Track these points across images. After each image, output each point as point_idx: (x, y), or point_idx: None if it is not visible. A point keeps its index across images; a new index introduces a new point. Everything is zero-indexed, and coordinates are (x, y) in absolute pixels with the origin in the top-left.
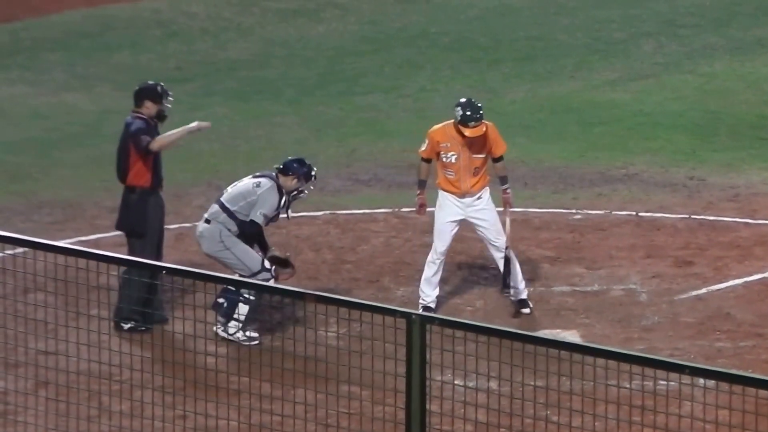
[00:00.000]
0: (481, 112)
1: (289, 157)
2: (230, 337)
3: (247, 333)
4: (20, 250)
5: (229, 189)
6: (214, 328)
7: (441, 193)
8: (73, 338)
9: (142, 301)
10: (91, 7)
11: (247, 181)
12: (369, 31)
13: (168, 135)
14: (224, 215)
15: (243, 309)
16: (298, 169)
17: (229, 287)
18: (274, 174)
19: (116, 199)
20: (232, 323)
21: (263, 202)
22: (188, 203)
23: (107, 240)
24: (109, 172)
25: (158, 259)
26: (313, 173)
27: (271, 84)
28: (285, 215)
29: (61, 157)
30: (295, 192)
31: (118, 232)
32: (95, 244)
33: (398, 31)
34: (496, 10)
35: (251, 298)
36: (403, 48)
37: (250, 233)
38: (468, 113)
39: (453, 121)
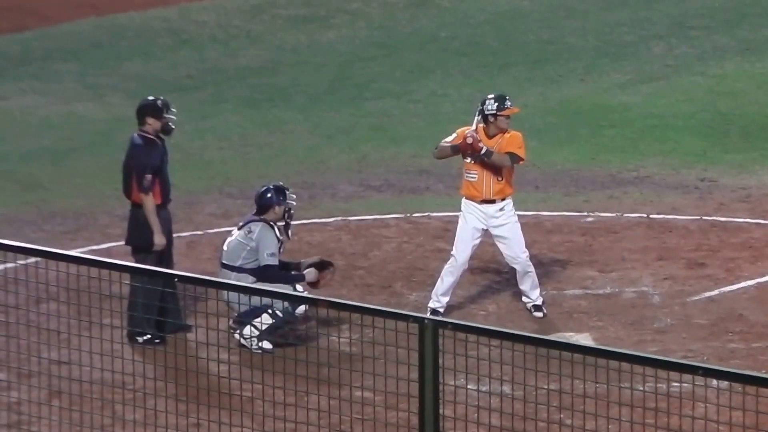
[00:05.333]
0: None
1: (255, 195)
2: (243, 341)
3: (262, 344)
4: (32, 259)
5: (225, 247)
6: (236, 335)
7: (464, 201)
8: (86, 347)
9: (156, 310)
10: (102, 17)
11: (238, 233)
12: (379, 36)
13: (152, 212)
14: (234, 274)
15: (266, 319)
16: (271, 198)
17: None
18: (257, 217)
19: (127, 208)
20: (249, 328)
21: (264, 244)
22: (200, 211)
23: (119, 249)
24: (120, 181)
25: (169, 269)
26: (284, 189)
27: (282, 91)
28: (287, 238)
29: (72, 167)
30: (285, 215)
31: None
32: (107, 253)
33: (408, 36)
34: (506, 14)
35: (279, 315)
36: (413, 53)
37: (270, 276)
38: (501, 99)
39: (479, 125)
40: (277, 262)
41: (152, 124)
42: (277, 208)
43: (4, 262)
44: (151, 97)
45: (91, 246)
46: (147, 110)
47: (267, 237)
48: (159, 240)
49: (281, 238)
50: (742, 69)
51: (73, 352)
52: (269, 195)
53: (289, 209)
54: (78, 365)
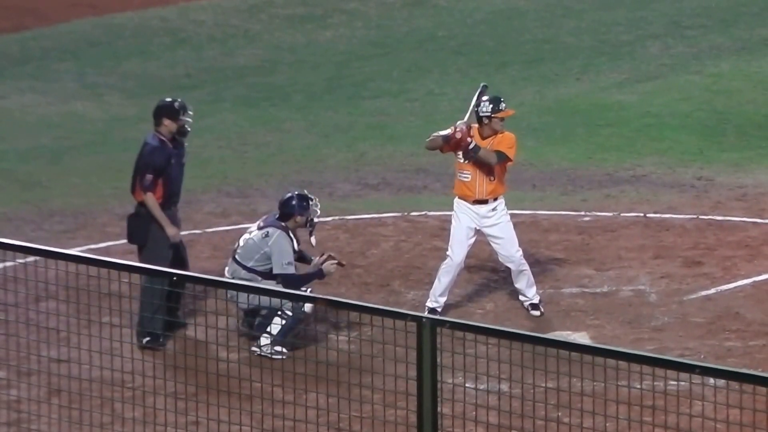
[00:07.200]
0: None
1: (279, 201)
2: (261, 352)
3: (276, 348)
4: (31, 258)
5: (241, 242)
6: (253, 348)
7: (456, 201)
8: (85, 346)
9: (163, 310)
10: (100, 16)
11: (256, 233)
12: (376, 35)
13: (155, 208)
14: (244, 272)
15: (276, 321)
16: (294, 207)
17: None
18: (278, 222)
19: (126, 207)
20: (263, 338)
21: (280, 252)
22: (199, 210)
23: (118, 247)
24: (119, 180)
25: (182, 269)
26: (308, 199)
27: (280, 90)
28: (312, 246)
29: (71, 166)
30: (307, 224)
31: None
32: (106, 251)
33: (405, 35)
34: (503, 14)
35: (289, 314)
36: (410, 52)
37: (286, 282)
38: (496, 101)
39: (474, 125)
40: (294, 270)
41: (168, 125)
42: (298, 217)
43: (4, 260)
44: (168, 99)
45: (90, 245)
46: (164, 111)
47: (282, 246)
48: (172, 232)
49: (297, 248)
50: (738, 68)
51: (72, 350)
52: (292, 203)
53: (311, 219)
54: (77, 363)
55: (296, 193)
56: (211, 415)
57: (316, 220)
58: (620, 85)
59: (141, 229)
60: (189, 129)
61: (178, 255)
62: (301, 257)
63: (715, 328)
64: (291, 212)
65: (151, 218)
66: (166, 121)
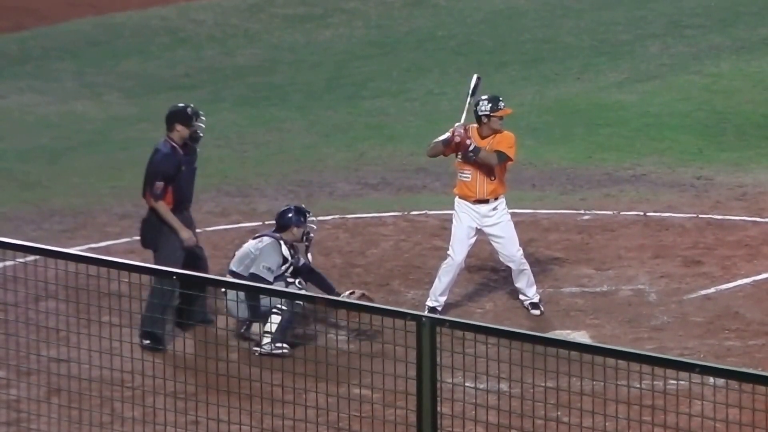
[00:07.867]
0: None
1: (277, 214)
2: (262, 351)
3: (277, 344)
4: (31, 258)
5: (236, 253)
6: (254, 349)
7: (457, 200)
8: (85, 345)
9: (169, 312)
10: (99, 16)
11: (251, 242)
12: (376, 35)
13: (167, 214)
14: (232, 279)
15: (275, 318)
16: (291, 219)
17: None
18: (274, 233)
19: (126, 206)
20: (264, 336)
21: (265, 256)
22: (198, 209)
23: (117, 247)
24: (118, 179)
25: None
26: (305, 212)
27: (279, 89)
28: (307, 261)
29: (70, 165)
30: (304, 237)
31: (129, 239)
32: (105, 251)
33: (405, 35)
34: (503, 13)
35: (285, 308)
36: (410, 52)
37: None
38: (494, 100)
39: (473, 126)
40: (270, 279)
41: (180, 131)
42: (295, 229)
43: (4, 260)
44: (181, 104)
45: (90, 244)
46: (177, 117)
47: (269, 251)
48: (186, 235)
49: (291, 260)
50: (737, 68)
51: (72, 349)
52: (289, 215)
53: (308, 232)
54: (77, 363)
55: (293, 206)
56: (211, 415)
57: (312, 235)
58: (620, 84)
59: (152, 234)
60: (201, 135)
61: (194, 255)
62: (322, 284)
63: (714, 327)
64: (288, 224)
65: (161, 223)
66: (179, 127)
